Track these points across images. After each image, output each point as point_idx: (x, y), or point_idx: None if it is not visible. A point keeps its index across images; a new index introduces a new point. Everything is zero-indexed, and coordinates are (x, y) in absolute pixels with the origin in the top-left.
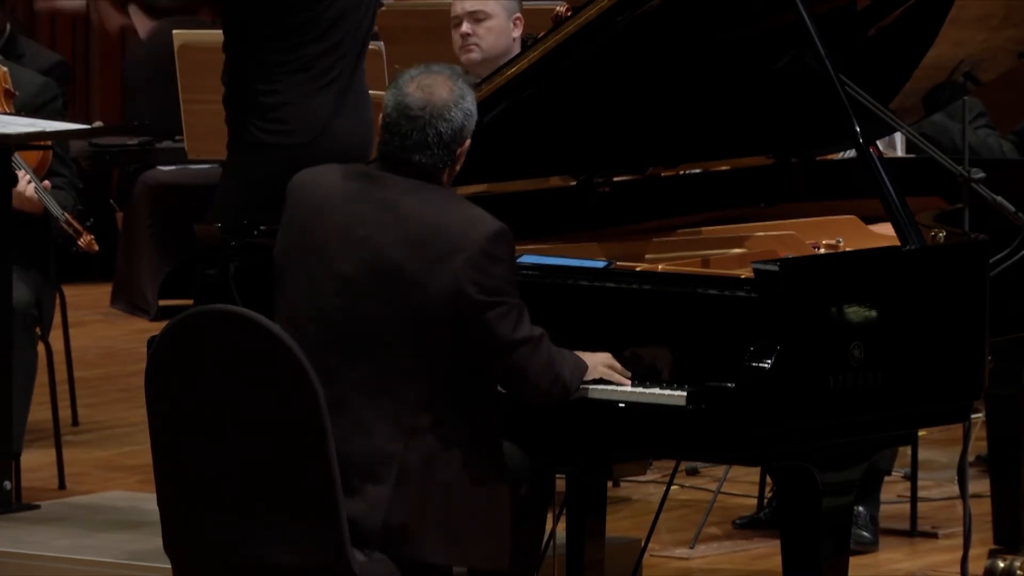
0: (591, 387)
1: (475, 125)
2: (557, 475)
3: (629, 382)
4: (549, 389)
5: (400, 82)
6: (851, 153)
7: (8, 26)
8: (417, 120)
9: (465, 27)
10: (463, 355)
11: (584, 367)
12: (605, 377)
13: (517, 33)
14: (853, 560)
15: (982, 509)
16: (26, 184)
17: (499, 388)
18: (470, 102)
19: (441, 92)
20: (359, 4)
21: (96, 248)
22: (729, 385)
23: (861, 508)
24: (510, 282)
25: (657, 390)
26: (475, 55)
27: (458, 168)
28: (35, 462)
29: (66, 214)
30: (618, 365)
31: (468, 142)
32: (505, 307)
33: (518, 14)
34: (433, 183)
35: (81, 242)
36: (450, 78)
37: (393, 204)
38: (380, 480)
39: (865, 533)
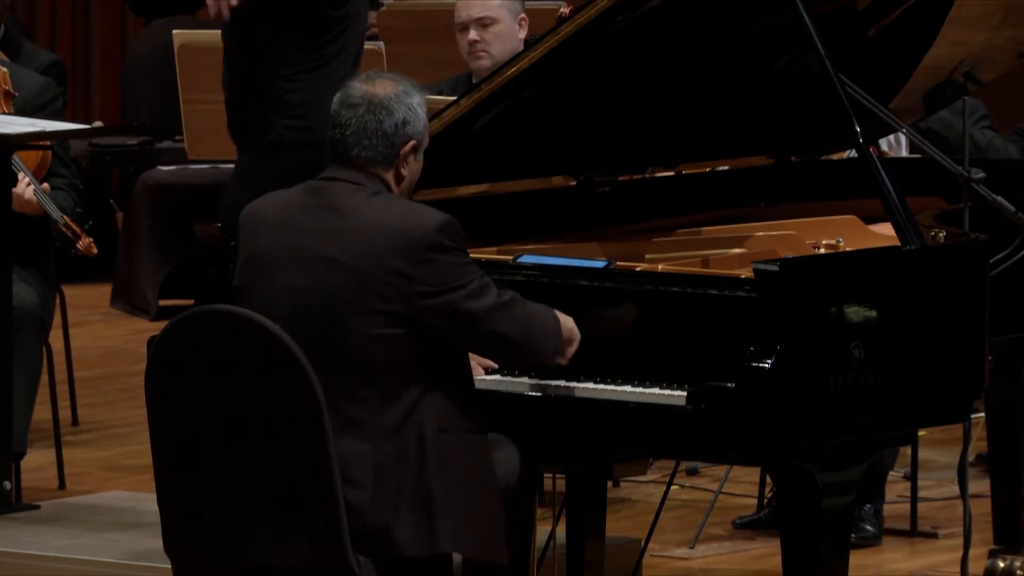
0: (591, 387)
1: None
2: (557, 475)
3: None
4: (542, 346)
5: (348, 83)
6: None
7: (3, 26)
8: (356, 108)
9: (472, 34)
10: (424, 350)
11: (556, 321)
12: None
13: (523, 34)
14: (854, 558)
15: (982, 509)
16: (25, 186)
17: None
18: (416, 103)
19: (384, 87)
20: (364, 6)
21: (95, 251)
22: (729, 385)
23: (868, 504)
24: (465, 264)
25: (657, 390)
26: (485, 62)
27: (405, 173)
28: (35, 462)
29: (65, 217)
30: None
31: (412, 143)
32: (465, 289)
33: (523, 14)
34: (375, 178)
35: (80, 245)
36: (397, 81)
37: (336, 208)
38: (356, 484)
39: (868, 527)
